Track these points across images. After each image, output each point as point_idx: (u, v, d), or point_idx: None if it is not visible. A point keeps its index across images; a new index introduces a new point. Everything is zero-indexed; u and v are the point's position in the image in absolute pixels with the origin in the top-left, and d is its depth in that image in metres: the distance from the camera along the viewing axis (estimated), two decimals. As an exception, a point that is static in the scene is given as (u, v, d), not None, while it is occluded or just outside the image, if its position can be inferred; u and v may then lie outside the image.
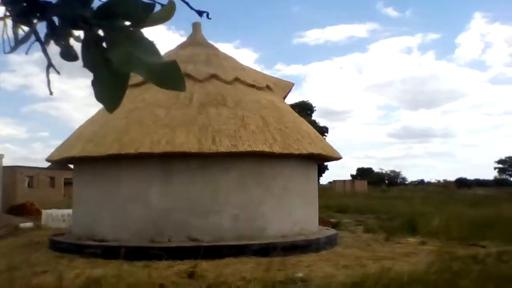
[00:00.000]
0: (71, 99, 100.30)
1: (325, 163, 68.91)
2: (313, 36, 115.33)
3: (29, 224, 16.76)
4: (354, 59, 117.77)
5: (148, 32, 1.32)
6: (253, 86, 12.17)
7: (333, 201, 35.45)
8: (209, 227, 10.11)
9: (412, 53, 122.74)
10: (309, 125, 12.68)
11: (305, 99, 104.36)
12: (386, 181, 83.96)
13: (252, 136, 10.28)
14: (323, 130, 70.99)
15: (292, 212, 11.12)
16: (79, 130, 11.45)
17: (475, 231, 13.69)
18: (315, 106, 72.23)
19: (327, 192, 53.27)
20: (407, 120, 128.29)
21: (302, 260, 9.65)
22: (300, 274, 8.37)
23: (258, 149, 10.03)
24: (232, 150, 9.84)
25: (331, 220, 19.58)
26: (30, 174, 37.15)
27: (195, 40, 13.50)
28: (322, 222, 18.65)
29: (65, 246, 10.36)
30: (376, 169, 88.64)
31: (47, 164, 22.25)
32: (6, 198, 26.08)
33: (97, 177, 10.75)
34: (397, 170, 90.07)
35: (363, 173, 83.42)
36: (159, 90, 11.19)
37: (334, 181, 67.92)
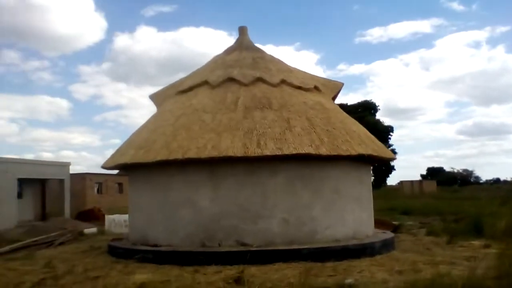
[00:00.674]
0: (139, 106, 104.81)
1: (392, 164, 67.51)
2: (376, 34, 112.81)
3: (93, 230, 17.56)
4: (420, 56, 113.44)
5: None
6: (299, 88, 12.01)
7: (399, 202, 34.27)
8: (259, 232, 10.04)
9: (481, 47, 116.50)
10: (359, 125, 12.30)
11: (369, 99, 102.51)
12: (459, 181, 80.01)
13: (298, 138, 10.11)
14: (387, 130, 69.22)
15: (344, 216, 10.81)
16: (132, 137, 11.82)
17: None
18: (378, 105, 70.74)
19: (394, 193, 51.68)
20: (478, 116, 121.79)
21: (354, 265, 9.33)
22: (350, 280, 8.08)
23: (304, 151, 9.84)
24: (277, 153, 9.73)
25: (394, 222, 18.97)
26: (99, 180, 39.11)
27: (242, 44, 13.56)
28: (383, 225, 18.07)
29: (121, 251, 10.69)
30: (447, 168, 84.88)
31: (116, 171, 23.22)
32: (75, 204, 27.46)
33: (149, 183, 11.03)
34: (469, 168, 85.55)
35: (433, 173, 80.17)
36: (206, 95, 11.38)
37: (402, 181, 65.79)
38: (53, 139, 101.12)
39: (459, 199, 36.86)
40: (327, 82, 13.23)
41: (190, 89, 12.11)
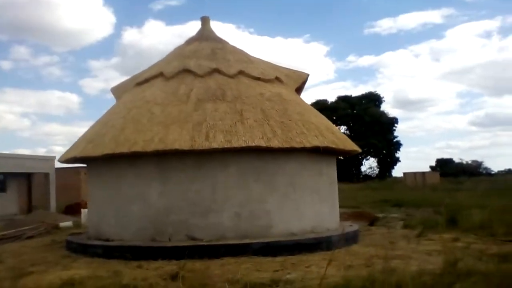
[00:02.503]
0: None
1: (396, 155, 66.84)
2: (385, 25, 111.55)
3: (68, 223, 17.46)
4: (430, 47, 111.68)
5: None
6: (258, 79, 11.72)
7: (393, 194, 33.98)
8: (209, 226, 9.83)
9: (492, 37, 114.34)
10: (322, 117, 11.99)
11: (378, 90, 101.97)
12: (467, 173, 79.08)
13: (249, 130, 9.85)
14: (392, 121, 68.67)
15: (300, 209, 10.56)
16: (87, 131, 11.63)
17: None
18: (383, 97, 70.17)
19: (395, 185, 51.24)
20: (490, 107, 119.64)
21: (304, 260, 9.11)
22: (290, 275, 7.90)
23: (254, 144, 9.60)
24: (226, 146, 9.49)
25: (377, 215, 18.71)
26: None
27: (203, 35, 13.28)
28: (362, 217, 17.91)
29: (74, 246, 10.57)
30: (457, 159, 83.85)
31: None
32: (69, 198, 27.43)
33: (100, 177, 10.87)
34: (479, 160, 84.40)
35: (443, 164, 79.28)
36: (159, 87, 11.15)
37: (404, 173, 65.29)
38: (64, 133, 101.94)
39: (460, 191, 36.36)
40: (291, 73, 12.91)
41: (146, 81, 11.86)
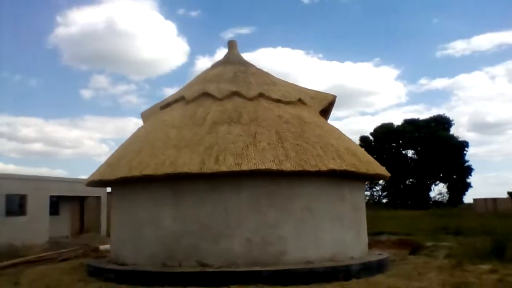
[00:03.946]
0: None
1: (468, 181, 63.19)
2: (458, 47, 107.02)
3: (108, 246, 17.83)
4: (507, 68, 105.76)
5: None
6: (279, 101, 11.49)
7: (458, 222, 31.90)
8: (220, 252, 9.59)
9: None
10: (346, 140, 11.46)
11: (453, 113, 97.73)
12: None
13: (261, 153, 9.59)
14: (462, 145, 65.27)
15: (318, 236, 10.06)
16: (110, 155, 11.89)
17: None
18: (453, 120, 67.04)
19: (462, 212, 48.28)
20: None
21: (316, 290, 8.66)
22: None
23: (264, 167, 9.32)
24: (236, 169, 9.28)
25: (424, 243, 17.56)
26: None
27: (229, 58, 13.32)
28: (405, 245, 16.86)
29: (92, 270, 10.67)
30: (537, 185, 77.83)
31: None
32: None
33: (119, 201, 11.02)
34: None
35: (521, 190, 73.93)
36: (179, 111, 11.22)
37: (474, 200, 61.48)
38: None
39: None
40: (316, 95, 12.55)
41: (168, 105, 12.03)
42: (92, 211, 25.57)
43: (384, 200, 65.70)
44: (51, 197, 22.24)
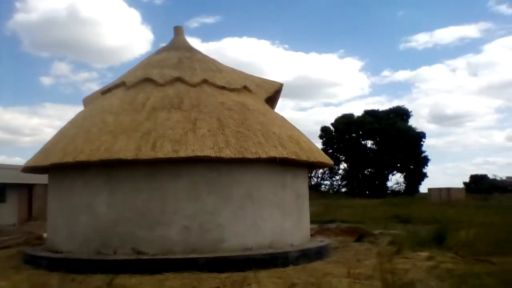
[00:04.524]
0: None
1: (424, 171, 64.96)
2: (421, 40, 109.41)
3: (52, 234, 17.33)
4: (467, 61, 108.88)
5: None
6: (223, 88, 11.35)
7: (410, 210, 32.72)
8: (156, 239, 9.40)
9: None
10: (290, 128, 11.46)
11: (414, 105, 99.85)
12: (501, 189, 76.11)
13: (200, 140, 9.45)
14: (419, 136, 67.04)
15: (258, 223, 10.03)
16: (47, 142, 11.49)
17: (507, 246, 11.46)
18: (411, 111, 68.61)
19: (417, 201, 49.60)
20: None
21: (250, 277, 8.58)
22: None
23: (203, 154, 9.19)
24: (173, 156, 9.11)
25: (372, 231, 17.90)
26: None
27: (174, 44, 13.04)
28: (353, 232, 17.15)
29: (27, 258, 10.32)
30: (492, 176, 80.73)
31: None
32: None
33: (54, 187, 10.68)
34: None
35: (477, 180, 76.68)
36: (119, 96, 10.92)
37: (429, 189, 63.39)
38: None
39: (481, 208, 34.75)
40: (263, 83, 12.49)
41: (109, 90, 11.69)
42: (40, 199, 24.82)
43: (344, 190, 66.89)
44: (-4, 184, 21.51)
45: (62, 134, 10.62)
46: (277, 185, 10.53)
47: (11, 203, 23.50)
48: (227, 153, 9.35)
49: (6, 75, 77.80)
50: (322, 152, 11.58)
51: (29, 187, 24.57)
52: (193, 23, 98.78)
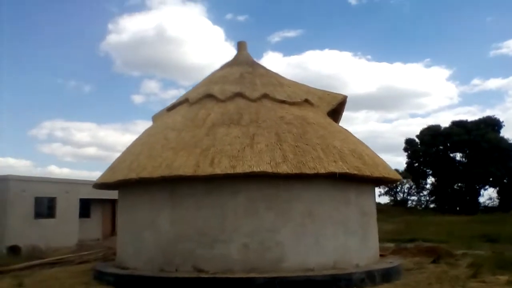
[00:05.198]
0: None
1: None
2: None
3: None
4: None
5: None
6: (283, 102, 11.18)
7: (501, 229, 30.19)
8: (216, 257, 9.36)
9: None
10: (353, 141, 10.96)
11: (508, 114, 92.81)
12: None
13: (257, 155, 9.31)
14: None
15: (320, 242, 9.65)
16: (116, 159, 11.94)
17: None
18: (503, 121, 63.87)
19: (509, 218, 45.71)
20: None
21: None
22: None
23: (259, 170, 9.03)
24: (230, 172, 9.05)
25: (454, 252, 16.62)
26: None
27: (237, 59, 13.12)
28: (431, 252, 16.00)
29: (96, 274, 10.67)
30: None
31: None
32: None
33: (122, 204, 11.05)
34: None
35: None
36: (182, 113, 11.15)
37: (527, 206, 58.05)
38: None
39: None
40: (325, 95, 12.12)
41: (174, 107, 11.98)
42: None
43: (432, 205, 63.25)
44: (82, 200, 22.82)
45: (129, 151, 11.02)
46: (339, 201, 10.09)
47: (95, 218, 24.81)
48: (284, 169, 9.12)
49: (100, 94, 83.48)
50: (389, 167, 10.94)
51: (113, 202, 25.83)
52: (275, 38, 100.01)
